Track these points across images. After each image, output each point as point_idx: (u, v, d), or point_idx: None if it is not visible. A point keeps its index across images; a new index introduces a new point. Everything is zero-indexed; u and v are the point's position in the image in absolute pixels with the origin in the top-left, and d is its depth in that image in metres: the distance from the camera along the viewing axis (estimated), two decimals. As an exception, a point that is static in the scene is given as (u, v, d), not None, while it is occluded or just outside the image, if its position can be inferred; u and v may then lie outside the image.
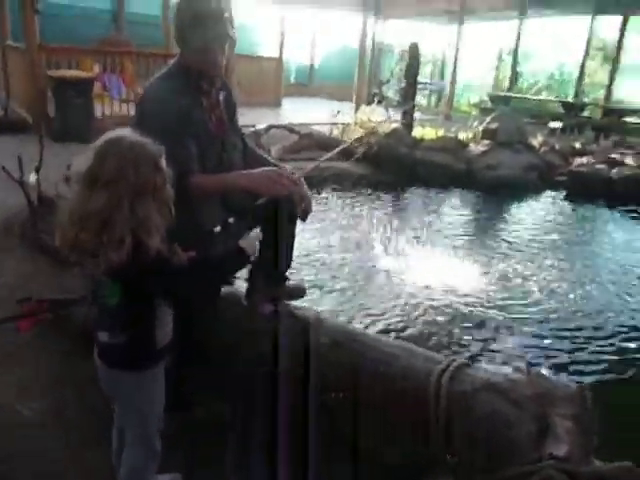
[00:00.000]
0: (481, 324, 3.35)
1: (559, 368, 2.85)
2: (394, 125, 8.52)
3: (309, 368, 1.62)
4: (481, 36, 17.76)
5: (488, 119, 8.88)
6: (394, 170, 7.31)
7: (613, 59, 12.36)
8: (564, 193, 7.46)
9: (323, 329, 1.67)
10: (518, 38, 14.35)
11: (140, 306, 1.40)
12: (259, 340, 1.73)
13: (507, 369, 1.53)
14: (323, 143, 7.40)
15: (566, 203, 7.22)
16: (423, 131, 8.76)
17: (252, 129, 6.10)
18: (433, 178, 7.33)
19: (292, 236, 2.12)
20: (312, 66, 18.46)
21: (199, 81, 1.98)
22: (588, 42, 15.48)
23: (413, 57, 8.28)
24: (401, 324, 3.22)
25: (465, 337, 3.15)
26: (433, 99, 17.78)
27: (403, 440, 1.48)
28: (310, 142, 7.29)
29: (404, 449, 1.47)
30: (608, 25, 15.16)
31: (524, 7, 13.90)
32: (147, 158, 1.30)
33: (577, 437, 1.23)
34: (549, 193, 7.52)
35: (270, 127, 6.49)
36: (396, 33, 19.91)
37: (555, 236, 5.66)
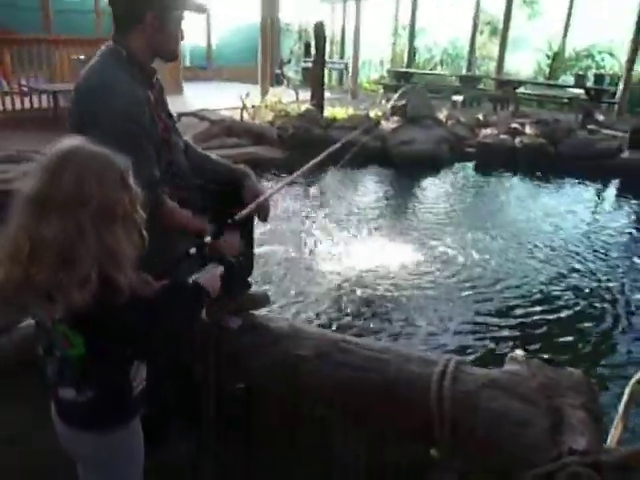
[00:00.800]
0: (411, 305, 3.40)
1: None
2: (305, 106, 8.41)
3: (293, 384, 1.49)
4: (377, 13, 17.98)
5: (396, 96, 9.00)
6: (310, 152, 7.19)
7: (502, 33, 13.01)
8: (473, 164, 7.78)
9: (301, 339, 1.54)
10: (413, 14, 14.67)
11: (111, 355, 1.16)
12: (234, 359, 1.56)
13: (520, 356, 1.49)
14: (236, 129, 7.14)
15: (476, 173, 7.53)
16: (334, 111, 8.71)
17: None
18: (350, 157, 7.31)
19: (251, 244, 1.97)
20: (210, 47, 17.73)
21: (148, 71, 1.72)
22: (476, 17, 16.20)
23: (319, 36, 8.16)
24: (334, 313, 3.22)
25: (400, 318, 3.19)
26: (335, 77, 17.82)
27: (407, 450, 1.40)
28: (222, 129, 6.99)
29: (409, 457, 1.40)
30: (495, 0, 15.94)
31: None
32: (112, 172, 1.04)
33: (591, 426, 1.22)
34: (460, 165, 7.79)
35: (180, 115, 6.10)
36: (293, 11, 19.69)
37: (468, 205, 5.97)
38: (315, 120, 7.78)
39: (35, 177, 1.01)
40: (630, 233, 5.23)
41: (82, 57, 8.15)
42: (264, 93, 10.60)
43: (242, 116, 7.94)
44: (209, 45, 17.77)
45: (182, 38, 1.74)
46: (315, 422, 1.61)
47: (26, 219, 1.01)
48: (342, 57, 17.54)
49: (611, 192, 7.04)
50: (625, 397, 1.37)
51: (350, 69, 14.47)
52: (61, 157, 1.02)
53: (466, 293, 3.59)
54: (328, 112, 8.67)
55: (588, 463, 1.12)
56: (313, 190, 5.99)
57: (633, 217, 5.86)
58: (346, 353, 1.47)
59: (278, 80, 14.18)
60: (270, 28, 11.09)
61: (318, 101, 8.38)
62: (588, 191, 6.85)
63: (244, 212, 1.62)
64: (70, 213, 0.99)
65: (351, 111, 9.04)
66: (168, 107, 1.89)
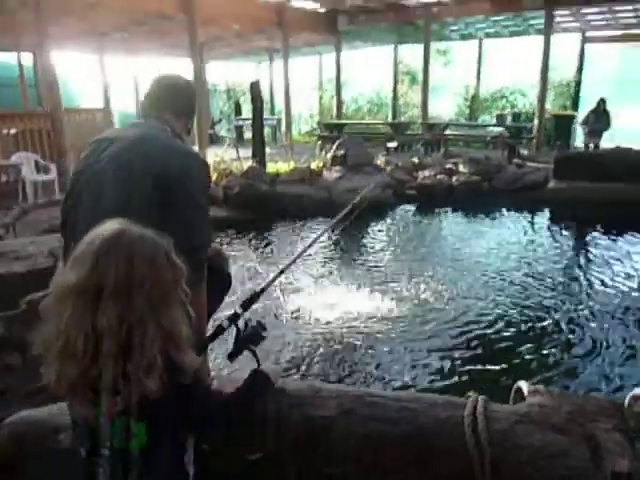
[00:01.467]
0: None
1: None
2: (247, 163, 8.50)
3: (320, 446, 1.45)
4: (303, 69, 18.74)
5: (334, 146, 9.31)
6: (258, 208, 7.23)
7: (423, 81, 13.87)
8: (415, 205, 8.09)
9: (323, 399, 1.51)
10: (338, 68, 15.37)
11: (173, 442, 1.10)
12: (252, 427, 1.51)
13: (525, 386, 1.53)
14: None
15: (419, 214, 7.82)
16: (276, 166, 8.87)
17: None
18: (298, 210, 7.41)
19: None
20: (139, 114, 17.74)
21: None
22: (395, 68, 17.24)
23: (256, 94, 8.36)
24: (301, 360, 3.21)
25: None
26: (269, 133, 18.21)
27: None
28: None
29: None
30: (410, 52, 17.06)
31: (339, 41, 14.96)
32: (160, 253, 1.02)
33: (628, 447, 1.26)
34: (404, 207, 8.07)
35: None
36: (219, 73, 20.16)
37: (416, 244, 6.14)
38: (259, 176, 7.88)
39: (82, 266, 0.96)
40: (564, 256, 5.59)
41: (12, 131, 7.96)
42: (203, 153, 10.64)
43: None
44: (139, 112, 17.77)
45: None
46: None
47: (77, 311, 0.95)
48: (273, 113, 18.00)
49: (543, 220, 7.49)
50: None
51: (283, 124, 14.83)
52: (109, 243, 0.99)
53: (429, 327, 3.68)
54: (270, 167, 8.81)
55: (633, 485, 1.16)
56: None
57: (565, 242, 6.27)
58: (372, 407, 1.46)
59: (211, 140, 14.32)
60: (201, 90, 11.29)
61: (260, 158, 8.50)
62: (523, 221, 7.26)
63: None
64: (125, 299, 0.96)
65: (292, 164, 9.22)
66: None
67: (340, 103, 15.99)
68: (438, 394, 1.71)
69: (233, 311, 1.49)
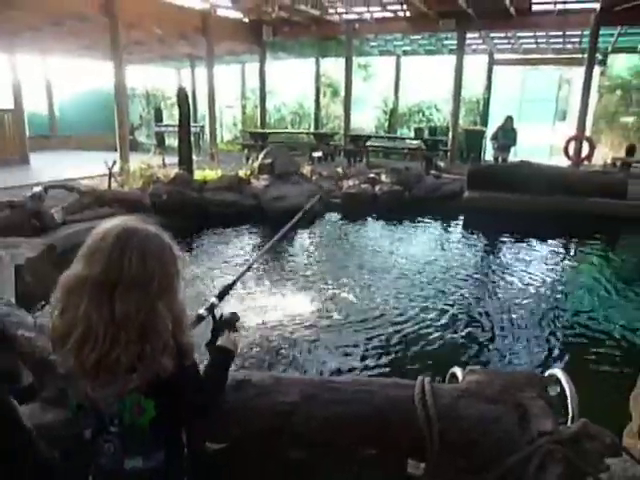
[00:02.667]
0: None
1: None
2: (174, 170, 8.40)
3: (286, 431, 1.58)
4: (225, 78, 18.68)
5: (262, 155, 9.41)
6: (187, 215, 7.18)
7: (345, 93, 14.33)
8: (340, 214, 8.36)
9: (286, 387, 1.64)
10: (262, 79, 15.51)
11: (177, 415, 1.20)
12: (219, 418, 1.61)
13: (459, 371, 1.75)
14: (107, 198, 6.89)
15: (344, 221, 8.10)
16: (203, 173, 8.83)
17: (29, 194, 5.35)
18: (226, 217, 7.45)
19: None
20: (53, 116, 16.85)
21: None
22: (317, 80, 17.65)
23: (183, 101, 8.31)
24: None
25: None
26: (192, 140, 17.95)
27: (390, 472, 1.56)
28: (93, 199, 6.71)
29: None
30: (332, 65, 17.54)
31: (263, 52, 15.12)
32: (166, 248, 1.12)
33: (549, 411, 1.50)
34: (329, 215, 8.32)
35: (47, 187, 5.78)
36: (137, 77, 19.60)
37: (342, 250, 6.41)
38: (187, 183, 7.82)
39: (97, 261, 1.04)
40: (475, 259, 6.10)
41: None
42: (124, 160, 10.35)
43: (110, 184, 7.70)
44: (52, 114, 16.91)
45: None
46: (299, 466, 1.71)
47: (94, 302, 1.03)
48: (195, 120, 17.77)
49: (459, 227, 8.04)
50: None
51: (207, 132, 14.72)
52: (123, 239, 1.07)
53: (354, 326, 3.92)
54: (197, 175, 8.76)
55: (555, 440, 1.39)
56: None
57: (478, 246, 6.82)
58: (331, 392, 1.61)
59: (131, 146, 13.93)
60: (122, 95, 10.98)
61: (187, 165, 8.43)
62: (440, 228, 7.77)
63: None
64: (140, 290, 1.05)
65: (219, 172, 9.22)
66: None
67: (264, 112, 16.12)
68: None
69: (210, 302, 1.60)
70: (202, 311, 1.56)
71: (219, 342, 1.41)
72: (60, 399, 1.49)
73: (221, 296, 1.64)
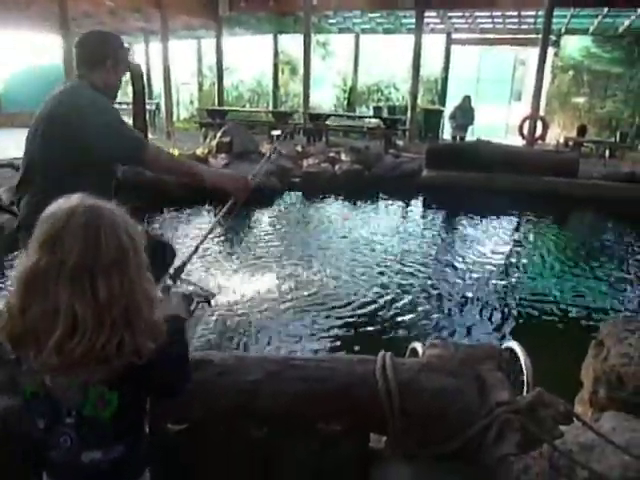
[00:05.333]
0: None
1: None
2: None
3: (249, 410, 1.56)
4: (181, 53, 18.13)
5: (219, 133, 9.23)
6: (143, 195, 6.98)
7: (304, 71, 14.17)
8: (301, 192, 8.33)
9: (248, 366, 1.62)
10: (219, 55, 15.13)
11: (139, 406, 1.15)
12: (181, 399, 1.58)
13: (419, 346, 1.78)
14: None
15: (305, 200, 8.07)
16: (160, 151, 8.58)
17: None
18: (184, 197, 7.29)
19: None
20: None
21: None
22: (275, 57, 17.38)
23: (137, 77, 8.02)
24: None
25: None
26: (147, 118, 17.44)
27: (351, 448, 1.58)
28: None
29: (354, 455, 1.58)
30: (291, 42, 17.28)
31: (219, 27, 14.73)
32: (129, 220, 1.06)
33: (507, 382, 1.54)
34: (289, 195, 8.27)
35: (-8, 167, 5.50)
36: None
37: (304, 230, 6.38)
38: (143, 162, 7.60)
39: (70, 245, 0.97)
40: (435, 236, 6.21)
41: None
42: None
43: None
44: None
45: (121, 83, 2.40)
46: (261, 445, 1.71)
47: (77, 290, 0.97)
48: (151, 98, 17.23)
49: (417, 205, 8.15)
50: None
51: (163, 109, 14.32)
52: (93, 218, 1.01)
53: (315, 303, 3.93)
54: (153, 153, 8.51)
55: (512, 410, 1.43)
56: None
57: (436, 223, 6.95)
58: (295, 369, 1.60)
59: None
60: (72, 70, 10.51)
61: (143, 143, 8.19)
62: (400, 206, 7.85)
63: None
64: (119, 269, 1.01)
65: (176, 151, 8.99)
66: None
67: (222, 90, 15.79)
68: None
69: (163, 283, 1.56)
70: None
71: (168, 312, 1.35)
72: (10, 385, 1.42)
73: (175, 278, 1.60)
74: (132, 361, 1.03)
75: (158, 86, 16.72)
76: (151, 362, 1.06)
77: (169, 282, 1.55)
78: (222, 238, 5.85)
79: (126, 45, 2.45)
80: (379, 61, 17.97)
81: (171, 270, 2.03)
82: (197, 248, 1.97)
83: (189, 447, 1.78)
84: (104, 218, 1.02)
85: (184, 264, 1.73)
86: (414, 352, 1.92)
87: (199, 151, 8.81)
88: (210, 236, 2.22)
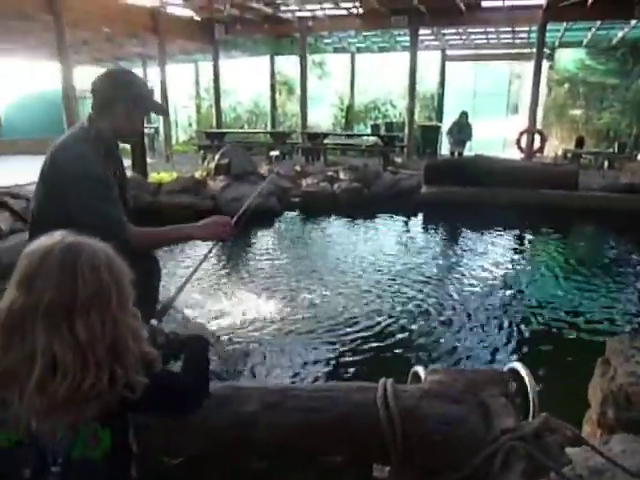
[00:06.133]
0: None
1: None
2: (128, 173, 8.17)
3: (246, 442, 1.53)
4: (179, 77, 18.32)
5: (217, 155, 9.27)
6: (142, 219, 6.98)
7: (301, 92, 14.30)
8: (300, 213, 8.33)
9: (246, 397, 1.59)
10: (216, 78, 15.28)
11: (128, 445, 1.12)
12: (177, 431, 1.55)
13: (421, 370, 1.74)
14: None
15: (305, 220, 8.06)
16: (158, 175, 8.63)
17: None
18: (183, 220, 7.23)
19: None
20: (-2, 120, 16.17)
21: (110, 145, 2.26)
22: (272, 78, 17.55)
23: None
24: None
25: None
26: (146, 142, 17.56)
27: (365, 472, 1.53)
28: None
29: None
30: (287, 63, 17.46)
31: (216, 50, 14.90)
32: (112, 256, 1.04)
33: (511, 408, 1.50)
34: (288, 215, 8.26)
35: (-8, 195, 5.51)
36: (88, 79, 19.02)
37: (306, 250, 6.35)
38: (142, 187, 7.63)
39: (46, 284, 0.95)
40: (436, 254, 6.17)
41: None
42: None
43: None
44: (-4, 117, 16.20)
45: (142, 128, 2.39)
46: (261, 478, 1.67)
47: (53, 330, 0.94)
48: (150, 122, 17.37)
49: (417, 222, 8.13)
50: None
51: (161, 132, 14.42)
52: (70, 256, 0.99)
53: (318, 325, 3.89)
54: (152, 177, 8.56)
55: (518, 437, 1.40)
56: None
57: (436, 240, 6.93)
58: (293, 399, 1.57)
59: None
60: (70, 97, 10.62)
61: (141, 168, 8.23)
62: (400, 224, 7.84)
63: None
64: (99, 307, 0.98)
65: (175, 174, 9.03)
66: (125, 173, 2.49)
67: (219, 112, 15.91)
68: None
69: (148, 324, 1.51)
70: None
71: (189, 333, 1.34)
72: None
73: (160, 316, 1.58)
74: (125, 395, 1.01)
75: (156, 110, 16.83)
76: (151, 392, 1.03)
77: (154, 322, 1.51)
78: (220, 261, 5.83)
79: (149, 86, 2.35)
80: (375, 79, 18.14)
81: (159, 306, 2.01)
82: (182, 287, 1.94)
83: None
84: (82, 255, 1.00)
85: (169, 303, 1.70)
86: (416, 376, 1.88)
87: (197, 174, 8.85)
88: (197, 272, 2.20)
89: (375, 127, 15.46)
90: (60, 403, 0.95)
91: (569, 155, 12.69)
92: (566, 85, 16.27)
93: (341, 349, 3.49)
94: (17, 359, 0.95)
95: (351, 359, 3.35)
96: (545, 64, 14.23)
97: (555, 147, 14.53)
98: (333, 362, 3.30)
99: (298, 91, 15.21)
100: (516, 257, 5.99)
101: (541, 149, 12.60)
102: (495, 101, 17.72)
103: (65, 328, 0.96)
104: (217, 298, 4.57)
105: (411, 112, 13.25)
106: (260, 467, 1.65)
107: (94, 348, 0.97)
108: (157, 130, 16.15)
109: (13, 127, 16.56)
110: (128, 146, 8.26)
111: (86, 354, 0.96)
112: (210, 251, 2.35)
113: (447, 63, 17.24)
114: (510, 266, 5.55)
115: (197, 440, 1.58)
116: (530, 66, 12.72)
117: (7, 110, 17.10)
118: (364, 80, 18.17)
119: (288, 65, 17.54)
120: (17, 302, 0.96)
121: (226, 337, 3.68)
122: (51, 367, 0.95)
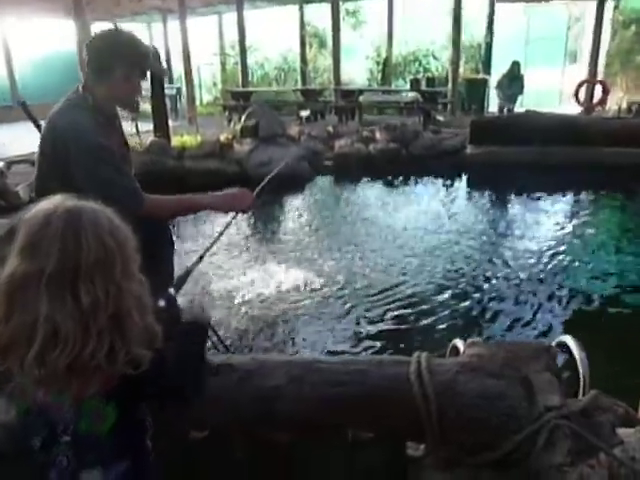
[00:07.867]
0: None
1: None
2: (150, 138, 8.27)
3: (270, 416, 1.56)
4: (201, 32, 18.22)
5: (244, 116, 9.26)
6: (166, 185, 7.08)
7: (333, 44, 14.03)
8: (332, 177, 8.29)
9: (270, 370, 1.62)
10: (241, 31, 15.12)
11: (139, 418, 1.17)
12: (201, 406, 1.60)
13: (460, 343, 1.73)
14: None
15: (338, 184, 8.03)
16: (182, 139, 8.69)
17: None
18: (209, 186, 7.32)
19: None
20: (14, 83, 16.44)
21: (109, 114, 2.26)
22: (302, 29, 17.24)
23: (155, 61, 8.09)
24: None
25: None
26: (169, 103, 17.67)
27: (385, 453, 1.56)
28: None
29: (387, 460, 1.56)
30: (318, 12, 17.11)
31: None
32: (114, 220, 1.07)
33: (556, 384, 1.49)
34: (320, 180, 8.24)
35: (10, 163, 5.68)
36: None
37: (339, 217, 6.34)
38: (165, 152, 7.72)
39: (48, 250, 0.98)
40: (482, 220, 6.07)
41: None
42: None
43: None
44: (13, 81, 16.45)
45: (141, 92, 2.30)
46: (287, 453, 1.71)
47: (57, 298, 0.97)
48: (171, 82, 17.43)
49: (462, 185, 8.00)
50: None
51: (184, 94, 14.46)
52: (72, 221, 1.01)
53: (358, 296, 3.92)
54: (175, 141, 8.63)
55: (563, 415, 1.38)
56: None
57: (482, 205, 6.80)
58: (320, 372, 1.59)
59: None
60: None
61: (164, 132, 8.30)
62: (441, 187, 7.72)
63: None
64: (103, 273, 1.00)
65: (199, 138, 9.08)
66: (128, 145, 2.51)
67: (245, 69, 15.80)
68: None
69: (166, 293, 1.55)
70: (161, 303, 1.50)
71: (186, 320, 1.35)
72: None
73: (178, 286, 1.60)
74: (127, 371, 1.03)
75: (178, 69, 16.86)
76: (149, 370, 1.06)
77: (171, 291, 1.54)
78: (250, 227, 5.90)
79: (150, 49, 2.31)
80: (415, 28, 17.61)
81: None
82: (201, 258, 1.96)
83: (210, 454, 1.81)
84: (84, 220, 1.02)
85: (187, 274, 1.72)
86: (455, 350, 1.87)
87: (223, 136, 8.87)
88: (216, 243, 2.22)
89: (415, 82, 15.05)
90: (59, 374, 0.98)
91: (634, 108, 12.13)
92: (633, 27, 15.42)
93: (373, 322, 3.51)
94: (19, 328, 0.98)
95: (385, 334, 3.37)
96: (609, 4, 13.50)
97: (619, 99, 13.90)
98: (364, 336, 3.33)
99: (330, 44, 14.92)
100: (572, 223, 5.83)
101: (603, 102, 12.09)
102: (551, 48, 16.95)
103: (68, 295, 0.98)
104: (241, 267, 4.63)
105: (455, 64, 12.85)
106: (285, 441, 1.69)
107: (96, 316, 0.99)
108: (179, 91, 16.20)
109: (30, 92, 16.85)
110: (149, 108, 8.35)
111: (88, 322, 0.99)
112: (231, 221, 2.36)
113: (496, 5, 16.54)
114: (564, 233, 5.41)
115: (217, 415, 1.62)
116: (592, 6, 12.10)
117: (23, 73, 17.38)
118: (403, 29, 17.66)
119: (319, 15, 17.18)
120: (19, 269, 0.99)
121: (248, 308, 3.74)
122: (52, 336, 0.98)
